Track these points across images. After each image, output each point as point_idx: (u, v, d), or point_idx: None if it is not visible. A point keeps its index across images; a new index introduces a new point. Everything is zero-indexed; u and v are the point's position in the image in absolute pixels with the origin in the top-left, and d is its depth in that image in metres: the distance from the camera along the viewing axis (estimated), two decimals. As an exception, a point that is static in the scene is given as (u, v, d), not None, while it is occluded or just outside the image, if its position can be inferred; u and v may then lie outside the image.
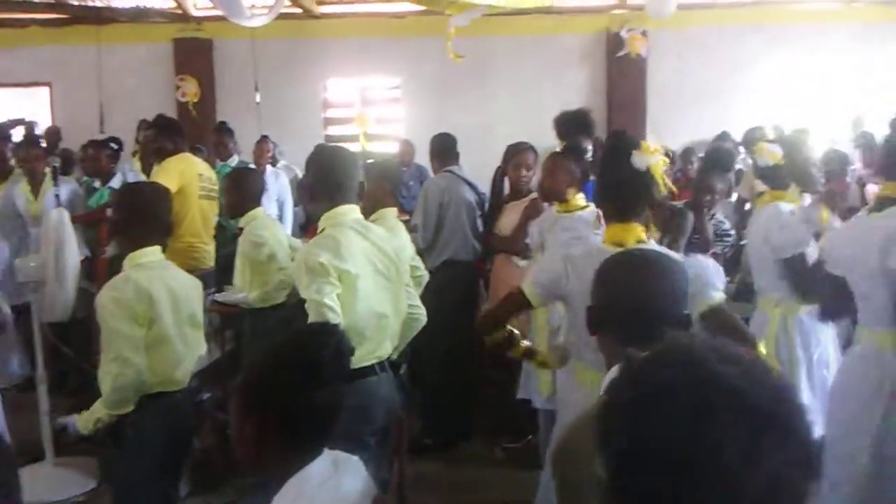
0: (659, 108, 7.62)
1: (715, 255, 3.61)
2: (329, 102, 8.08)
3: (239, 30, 5.73)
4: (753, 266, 3.10)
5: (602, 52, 7.74)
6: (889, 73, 7.43)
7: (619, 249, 1.97)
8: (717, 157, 3.62)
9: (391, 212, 3.53)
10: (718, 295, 2.05)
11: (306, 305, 2.32)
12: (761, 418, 0.76)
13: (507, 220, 3.94)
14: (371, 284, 2.45)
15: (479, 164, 5.03)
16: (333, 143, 2.75)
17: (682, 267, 1.63)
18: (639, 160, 2.07)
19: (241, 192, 3.70)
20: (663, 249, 2.08)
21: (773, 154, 2.98)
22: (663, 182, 2.09)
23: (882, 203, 2.36)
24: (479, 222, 4.29)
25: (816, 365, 2.80)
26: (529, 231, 3.50)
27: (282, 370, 1.39)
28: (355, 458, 1.47)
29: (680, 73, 7.65)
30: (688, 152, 6.49)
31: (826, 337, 2.87)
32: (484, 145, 5.19)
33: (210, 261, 4.36)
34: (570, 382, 2.26)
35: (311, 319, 2.28)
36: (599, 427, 0.83)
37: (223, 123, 6.00)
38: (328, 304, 2.28)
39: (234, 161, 5.60)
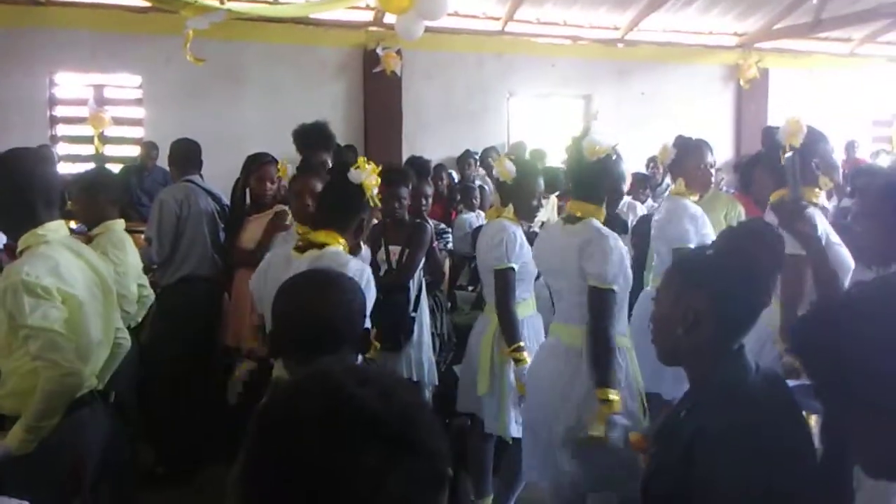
0: (413, 125, 7.92)
1: (438, 250, 4.01)
2: (57, 99, 7.21)
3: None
4: (482, 275, 3.32)
5: (359, 67, 7.84)
6: (605, 101, 8.51)
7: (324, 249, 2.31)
8: (419, 165, 4.10)
9: (118, 224, 3.35)
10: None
11: (26, 334, 2.05)
12: (391, 442, 0.77)
13: (251, 233, 3.81)
14: (90, 308, 2.24)
15: (227, 174, 4.78)
16: (27, 147, 2.41)
17: (356, 285, 1.72)
18: (354, 176, 2.38)
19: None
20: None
21: (505, 171, 3.20)
22: (371, 197, 2.42)
23: (573, 218, 2.65)
24: (223, 235, 4.09)
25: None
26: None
27: None
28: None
29: (430, 92, 8.03)
30: (438, 168, 6.83)
31: (538, 338, 3.15)
32: (233, 154, 4.93)
33: None
34: None
35: (38, 350, 2.04)
36: (245, 455, 0.82)
37: None
38: (60, 331, 2.07)
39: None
